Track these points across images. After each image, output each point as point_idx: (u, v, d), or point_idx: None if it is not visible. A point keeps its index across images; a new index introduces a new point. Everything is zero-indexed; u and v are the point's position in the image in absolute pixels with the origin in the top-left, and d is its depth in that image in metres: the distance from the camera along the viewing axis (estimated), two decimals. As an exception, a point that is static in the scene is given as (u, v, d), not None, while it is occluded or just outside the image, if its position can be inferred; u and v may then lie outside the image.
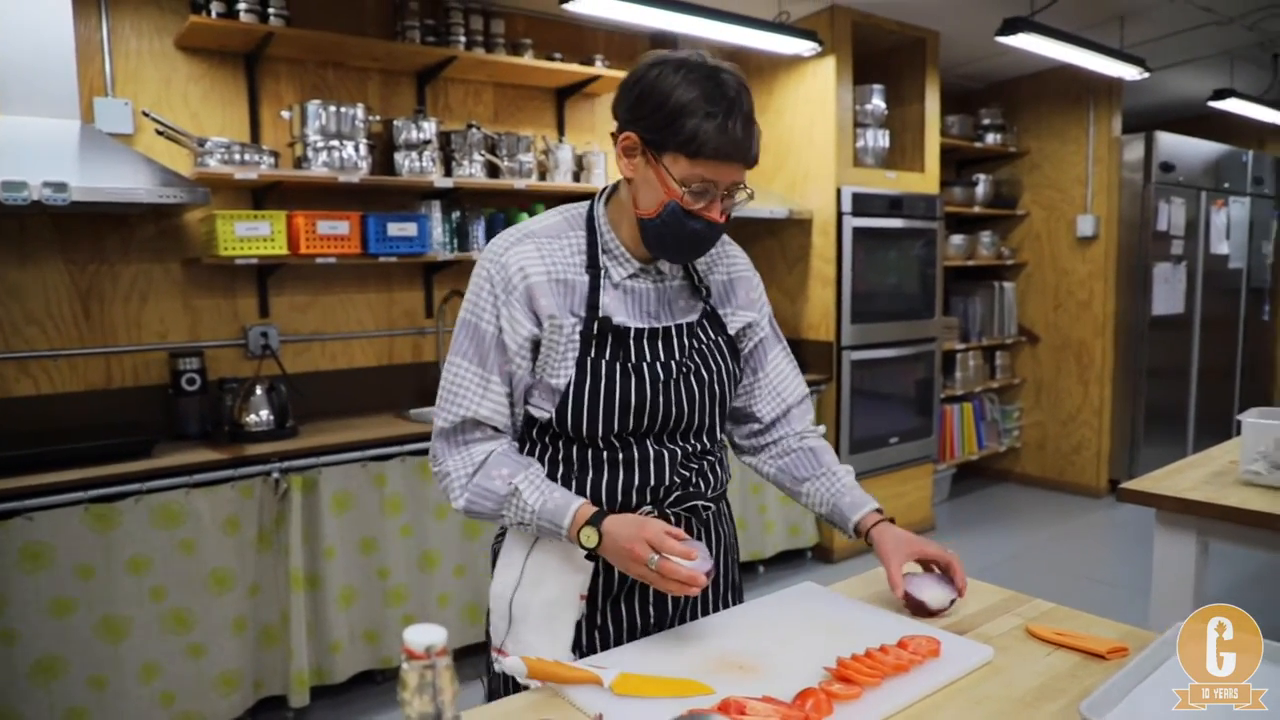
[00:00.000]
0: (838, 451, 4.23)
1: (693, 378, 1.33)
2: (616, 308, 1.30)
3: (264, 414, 2.91)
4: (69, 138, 2.62)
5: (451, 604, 3.11)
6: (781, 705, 1.02)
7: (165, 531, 2.56)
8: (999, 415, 5.68)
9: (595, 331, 1.27)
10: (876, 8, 4.20)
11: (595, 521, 1.20)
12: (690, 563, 1.16)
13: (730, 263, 1.46)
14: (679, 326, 1.34)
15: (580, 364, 1.26)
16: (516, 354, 1.27)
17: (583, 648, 1.32)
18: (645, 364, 1.29)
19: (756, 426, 1.51)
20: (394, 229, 3.17)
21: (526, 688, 1.18)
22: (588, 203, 1.36)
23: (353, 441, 2.89)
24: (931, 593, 1.34)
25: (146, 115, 2.92)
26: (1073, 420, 5.56)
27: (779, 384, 1.49)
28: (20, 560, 2.35)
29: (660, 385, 1.29)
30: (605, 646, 1.32)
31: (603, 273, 1.30)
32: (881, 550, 1.37)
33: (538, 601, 1.29)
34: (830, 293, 4.26)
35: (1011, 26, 3.74)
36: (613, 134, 1.28)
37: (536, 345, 1.28)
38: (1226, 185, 5.85)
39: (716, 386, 1.36)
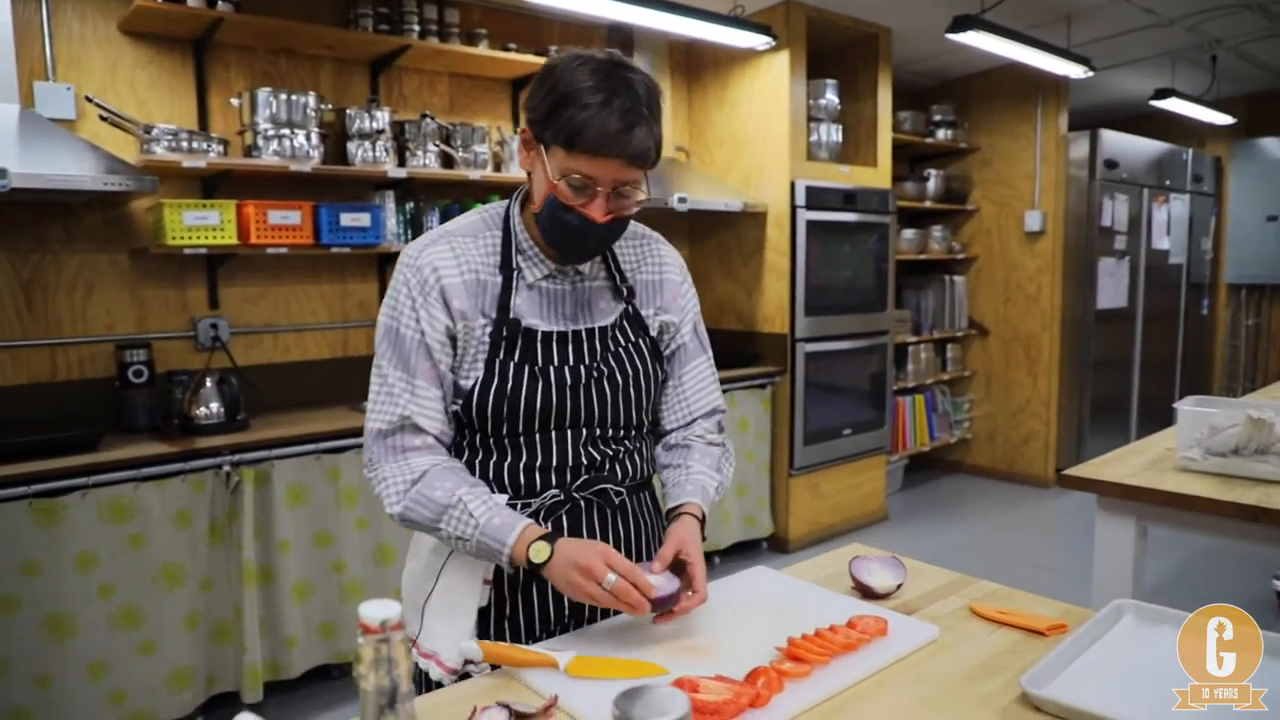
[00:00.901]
0: (790, 442, 4.30)
1: (605, 382, 1.31)
2: (529, 309, 1.29)
3: (214, 406, 2.86)
4: (7, 122, 2.54)
5: (407, 597, 3.09)
6: (734, 683, 1.04)
7: (114, 526, 2.51)
8: (950, 407, 5.79)
9: (504, 334, 1.26)
10: (830, 3, 4.25)
11: (549, 539, 1.18)
12: (657, 580, 1.17)
13: (660, 263, 1.43)
14: (593, 330, 1.33)
15: (489, 365, 1.25)
16: (441, 353, 1.26)
17: (490, 637, 1.30)
18: (553, 368, 1.28)
19: (659, 432, 1.48)
20: (347, 219, 3.14)
21: (440, 684, 1.20)
22: (507, 202, 1.35)
23: (306, 434, 2.86)
24: (877, 577, 1.38)
25: (90, 101, 2.85)
26: (1022, 412, 5.69)
27: (691, 395, 1.45)
28: (-40, 557, 2.29)
29: (569, 389, 1.28)
30: (517, 637, 1.30)
31: (516, 274, 1.29)
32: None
33: (439, 588, 1.28)
34: (784, 285, 4.31)
35: (961, 24, 3.81)
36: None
37: (455, 344, 1.27)
38: (1168, 183, 6.03)
39: (632, 390, 1.34)
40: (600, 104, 1.14)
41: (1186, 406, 2.25)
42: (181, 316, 3.16)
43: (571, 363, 1.30)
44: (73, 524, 2.44)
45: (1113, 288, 5.61)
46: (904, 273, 5.72)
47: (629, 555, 1.36)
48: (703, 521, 1.34)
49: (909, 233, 5.40)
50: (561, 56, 1.21)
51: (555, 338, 1.29)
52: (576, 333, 1.32)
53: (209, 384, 2.88)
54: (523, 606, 1.31)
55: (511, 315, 1.27)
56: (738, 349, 4.51)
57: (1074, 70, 4.54)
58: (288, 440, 2.82)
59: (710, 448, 1.44)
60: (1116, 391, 5.84)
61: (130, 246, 3.02)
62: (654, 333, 1.40)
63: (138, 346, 2.95)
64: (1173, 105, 5.30)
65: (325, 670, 3.00)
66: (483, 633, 1.30)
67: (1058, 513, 5.14)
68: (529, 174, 1.28)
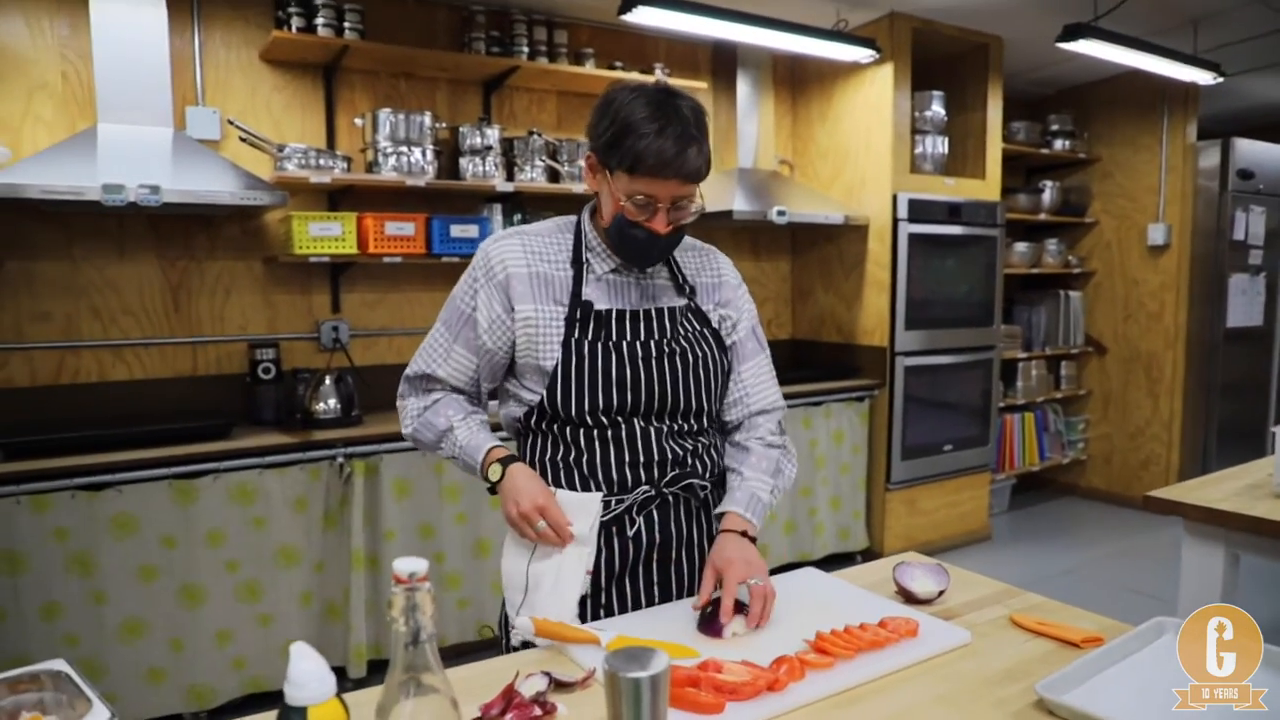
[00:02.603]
0: (887, 456, 4.28)
1: (677, 358, 1.43)
2: (600, 296, 1.43)
3: (332, 403, 3.11)
4: (163, 144, 2.86)
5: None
6: (756, 668, 1.12)
7: (240, 508, 2.77)
8: (1063, 427, 5.59)
9: (578, 316, 1.40)
10: (937, 14, 4.22)
11: (505, 462, 1.40)
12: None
13: (717, 270, 1.57)
14: (661, 310, 1.45)
15: (565, 345, 1.39)
16: (487, 332, 1.42)
17: (588, 621, 1.42)
18: (626, 343, 1.41)
19: (723, 427, 1.57)
20: (456, 230, 3.35)
21: None
22: (579, 214, 1.50)
23: (412, 431, 3.06)
24: (919, 583, 1.42)
25: (231, 123, 3.16)
26: (1141, 434, 5.43)
27: (751, 391, 1.54)
28: (111, 529, 2.59)
29: (642, 362, 1.40)
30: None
31: (586, 266, 1.43)
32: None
33: (548, 574, 1.40)
34: (885, 298, 4.29)
35: (1072, 33, 3.72)
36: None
37: (508, 328, 1.41)
38: (1314, 194, 5.64)
39: (702, 370, 1.45)
40: (656, 132, 1.28)
41: (1286, 431, 2.16)
42: (307, 319, 3.44)
43: (643, 338, 1.42)
44: (205, 503, 2.71)
45: (1245, 305, 5.29)
46: (1016, 287, 5.56)
47: (711, 549, 1.42)
48: (749, 531, 1.41)
49: (1021, 246, 5.26)
50: (618, 90, 1.35)
51: (628, 316, 1.42)
52: (647, 311, 1.44)
53: (328, 381, 3.13)
54: (616, 595, 1.43)
55: (584, 299, 1.41)
56: (836, 361, 4.52)
57: (1201, 76, 4.35)
58: (396, 436, 3.02)
59: (769, 450, 1.52)
60: (1249, 415, 5.50)
61: (264, 255, 3.32)
62: (716, 325, 1.51)
63: (267, 346, 3.23)
64: (1318, 112, 4.98)
65: (424, 653, 3.19)
66: (579, 617, 1.40)
67: (1173, 541, 4.88)
68: (596, 193, 1.42)
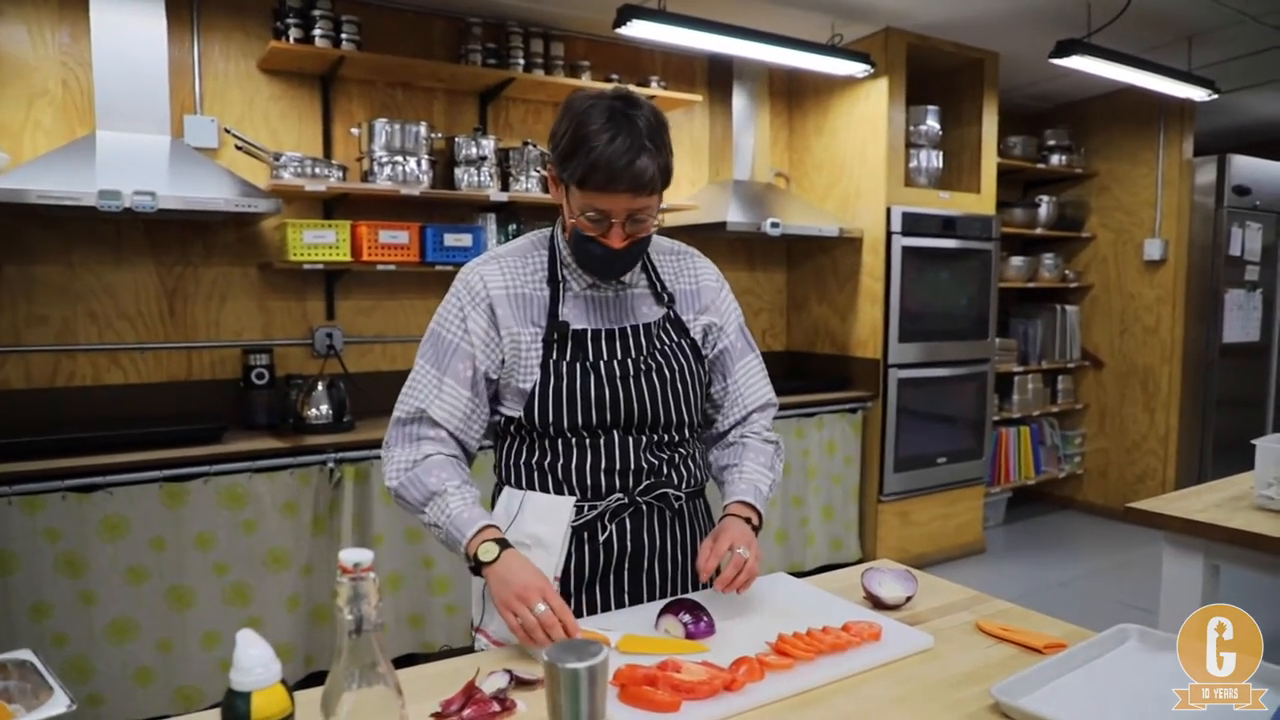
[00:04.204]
0: (880, 468, 4.29)
1: (654, 375, 1.43)
2: (577, 315, 1.43)
3: (324, 408, 3.13)
4: (160, 151, 2.89)
5: (491, 595, 3.28)
6: (716, 668, 1.13)
7: (229, 511, 2.80)
8: (1059, 440, 5.59)
9: (555, 337, 1.39)
10: (932, 29, 4.25)
11: (502, 544, 1.29)
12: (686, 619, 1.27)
13: (698, 274, 1.56)
14: (637, 327, 1.45)
15: (544, 366, 1.39)
16: (483, 355, 1.39)
17: None
18: (603, 362, 1.41)
19: (715, 432, 1.59)
20: (450, 239, 3.38)
21: None
22: (553, 226, 1.49)
23: (403, 436, 3.09)
24: (887, 588, 1.43)
25: (229, 132, 3.20)
26: (1137, 448, 5.43)
27: (745, 391, 1.57)
28: (101, 530, 2.61)
29: (620, 381, 1.41)
30: None
31: (562, 285, 1.43)
32: None
33: None
34: (879, 310, 4.31)
35: (1065, 49, 3.75)
36: None
37: (499, 348, 1.40)
38: (1311, 210, 5.65)
39: (680, 384, 1.45)
40: (605, 143, 1.26)
41: (1266, 443, 2.17)
42: (301, 325, 3.47)
43: (620, 357, 1.42)
44: (195, 506, 2.74)
45: (1242, 320, 5.30)
46: (1012, 301, 5.58)
47: (685, 558, 1.49)
48: (755, 518, 1.44)
49: (1018, 260, 5.27)
50: (576, 98, 1.33)
51: (603, 335, 1.42)
52: (622, 330, 1.44)
53: (320, 387, 3.15)
54: (585, 601, 1.44)
55: (560, 319, 1.41)
56: (830, 372, 4.53)
57: (1195, 93, 4.37)
58: (386, 441, 3.05)
59: (765, 445, 1.55)
60: (1246, 430, 5.43)
61: (259, 261, 3.35)
62: (696, 336, 1.51)
63: (261, 351, 3.26)
64: (1314, 129, 5.00)
65: (413, 658, 3.21)
66: None
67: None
68: (559, 205, 1.41)
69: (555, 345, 1.40)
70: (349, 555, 0.76)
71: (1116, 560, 4.76)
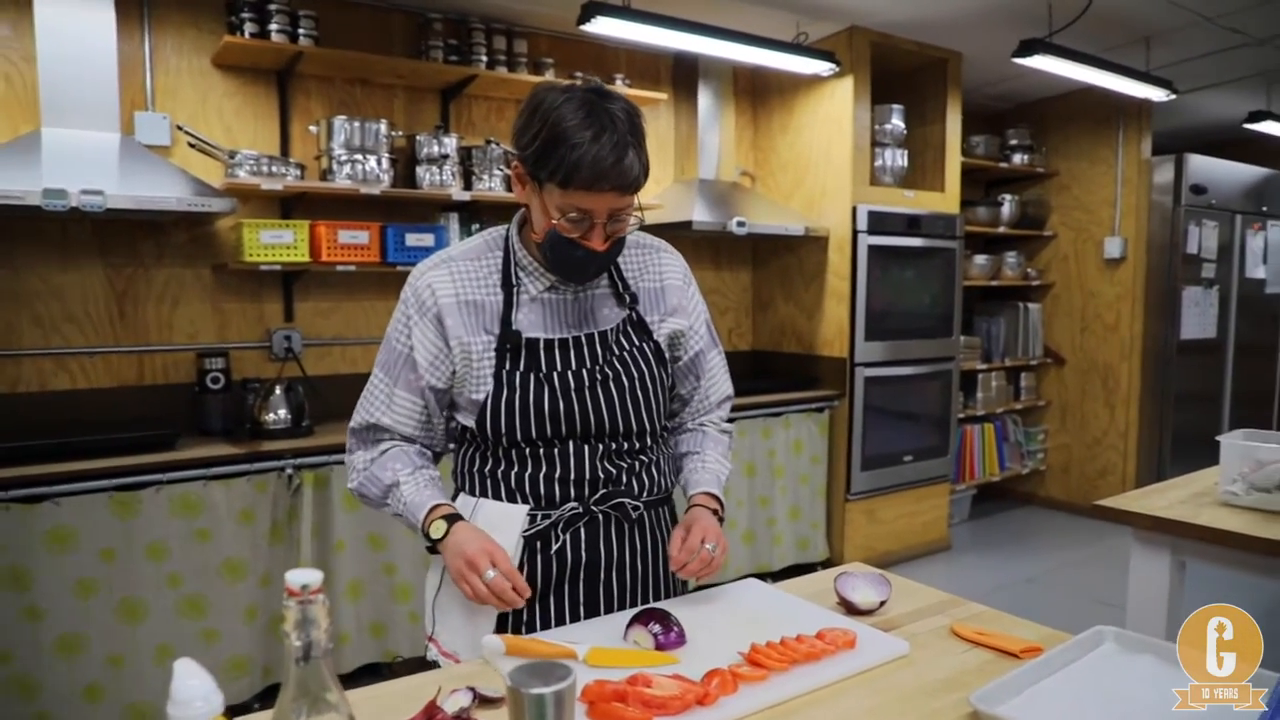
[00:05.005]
0: (847, 467, 4.28)
1: (611, 384, 1.37)
2: (532, 321, 1.37)
3: (282, 413, 3.05)
4: (109, 149, 2.79)
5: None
6: (688, 681, 1.09)
7: (183, 520, 2.70)
8: (1022, 437, 5.64)
9: (508, 347, 1.34)
10: (896, 29, 4.25)
11: (451, 519, 1.31)
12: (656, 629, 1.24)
13: (663, 270, 1.49)
14: (593, 335, 1.39)
15: (496, 376, 1.34)
16: (427, 370, 1.36)
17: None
18: (557, 374, 1.35)
19: (676, 423, 1.59)
20: (412, 239, 3.31)
21: None
22: (508, 225, 1.42)
23: (364, 441, 3.02)
24: (860, 593, 1.40)
25: (180, 129, 3.10)
26: (1099, 444, 5.50)
27: (710, 390, 1.57)
28: (48, 542, 2.51)
29: (575, 392, 1.35)
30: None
31: (517, 289, 1.37)
32: None
33: (460, 599, 1.34)
34: (845, 309, 4.31)
35: (1027, 48, 3.77)
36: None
37: (449, 360, 1.36)
38: (1265, 209, 5.76)
39: (639, 392, 1.40)
40: (590, 140, 1.20)
41: (1231, 440, 2.18)
42: (258, 328, 3.38)
43: (575, 367, 1.36)
44: (147, 516, 2.64)
45: (1199, 318, 5.38)
46: (975, 299, 5.62)
47: (645, 569, 1.45)
48: (721, 509, 1.45)
49: (981, 259, 5.31)
50: (545, 92, 1.26)
51: (557, 345, 1.36)
52: (578, 339, 1.38)
53: (278, 391, 3.07)
54: (539, 612, 1.38)
55: (513, 328, 1.35)
56: (796, 372, 4.52)
57: (1153, 93, 4.42)
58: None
59: (722, 435, 1.57)
60: (1203, 425, 5.56)
61: (213, 262, 3.25)
62: (660, 339, 1.45)
63: (217, 355, 3.17)
64: (1269, 128, 5.08)
65: (376, 668, 3.14)
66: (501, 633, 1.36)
67: (1129, 549, 4.93)
68: (526, 205, 1.35)
69: (508, 355, 1.35)
70: (296, 577, 0.71)
71: (1082, 555, 4.81)
